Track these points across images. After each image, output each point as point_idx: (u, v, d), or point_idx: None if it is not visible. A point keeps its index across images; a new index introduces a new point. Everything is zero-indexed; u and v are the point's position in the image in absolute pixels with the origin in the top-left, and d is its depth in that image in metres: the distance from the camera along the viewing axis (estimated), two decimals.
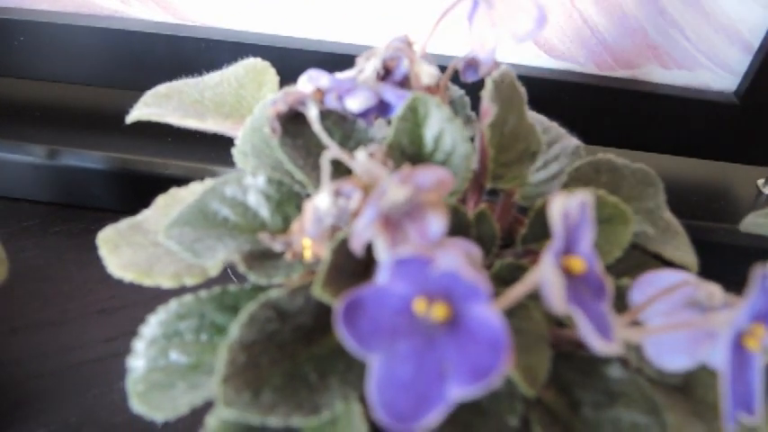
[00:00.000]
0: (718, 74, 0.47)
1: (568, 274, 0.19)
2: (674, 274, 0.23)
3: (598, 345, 0.18)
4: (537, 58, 0.46)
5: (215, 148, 0.49)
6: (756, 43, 0.45)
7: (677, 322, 0.21)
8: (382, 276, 0.17)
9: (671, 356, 0.22)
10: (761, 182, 0.53)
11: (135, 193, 0.48)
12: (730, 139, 0.49)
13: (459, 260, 0.16)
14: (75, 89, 0.52)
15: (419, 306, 0.17)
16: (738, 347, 0.20)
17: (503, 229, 0.30)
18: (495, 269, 0.25)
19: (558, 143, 0.33)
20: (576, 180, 0.29)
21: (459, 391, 0.16)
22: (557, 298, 0.17)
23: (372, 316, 0.17)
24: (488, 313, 0.16)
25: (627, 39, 0.45)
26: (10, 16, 0.46)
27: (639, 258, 0.28)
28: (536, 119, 0.33)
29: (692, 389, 0.25)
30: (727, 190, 0.53)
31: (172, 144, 0.49)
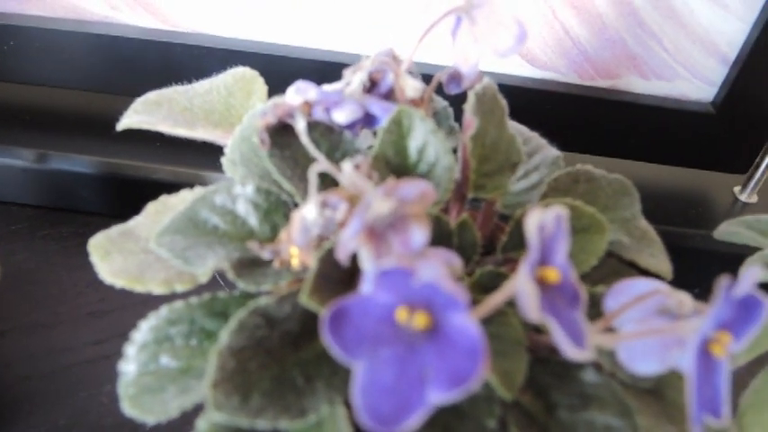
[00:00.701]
0: (696, 84, 0.48)
1: (544, 284, 0.20)
2: (647, 282, 0.24)
3: (571, 352, 0.19)
4: (520, 68, 0.47)
5: (203, 154, 0.49)
6: (733, 55, 0.47)
7: (648, 329, 0.22)
8: (366, 286, 0.18)
9: (643, 362, 0.23)
10: (737, 189, 0.54)
11: (123, 197, 0.49)
12: (707, 147, 0.50)
13: (439, 272, 0.17)
14: (64, 94, 0.52)
15: (401, 315, 0.18)
16: (705, 354, 0.21)
17: (484, 236, 0.31)
18: (475, 277, 0.26)
19: (539, 153, 0.34)
20: (554, 190, 0.30)
21: (438, 396, 0.17)
22: (532, 308, 0.18)
23: (357, 324, 0.18)
24: (467, 322, 0.17)
25: (607, 50, 0.46)
26: (1, 21, 0.46)
27: (615, 266, 0.29)
28: (517, 129, 0.34)
29: (663, 392, 0.26)
30: (705, 197, 0.55)
31: (160, 149, 0.49)
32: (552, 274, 0.20)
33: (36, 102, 0.53)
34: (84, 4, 0.47)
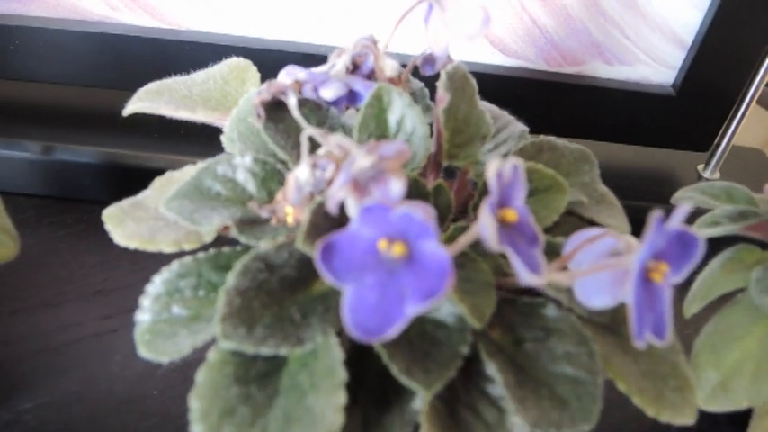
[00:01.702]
0: (656, 68, 0.52)
1: (504, 222, 0.23)
2: (599, 230, 0.28)
3: (527, 278, 0.22)
4: (492, 57, 0.51)
5: (196, 143, 0.53)
6: (689, 40, 0.50)
7: (598, 265, 0.26)
8: (352, 224, 0.21)
9: (596, 297, 0.26)
10: (700, 167, 0.58)
11: (124, 184, 0.52)
12: (669, 127, 0.54)
13: (413, 207, 0.20)
14: (67, 90, 0.55)
15: (382, 246, 0.21)
16: (647, 281, 0.24)
17: (458, 203, 0.34)
18: (449, 232, 0.30)
19: (507, 128, 0.37)
20: (520, 158, 0.34)
21: (414, 308, 0.20)
22: (491, 238, 0.21)
23: (344, 255, 0.21)
24: (436, 248, 0.20)
25: (572, 38, 0.50)
26: (5, 22, 0.49)
27: (576, 224, 0.33)
28: (488, 108, 0.37)
29: (618, 328, 0.29)
30: (670, 175, 0.58)
31: (158, 139, 0.53)
32: (511, 215, 0.23)
33: (41, 98, 0.56)
34: (85, 4, 0.50)
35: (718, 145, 0.55)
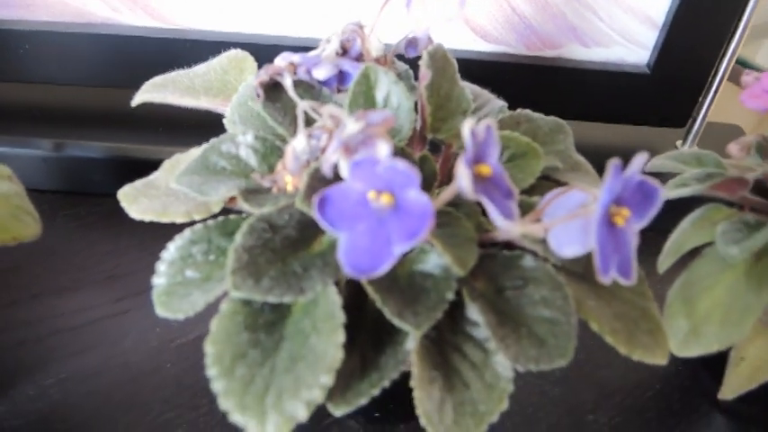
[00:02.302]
0: (631, 49, 0.55)
1: (480, 176, 0.26)
2: (569, 187, 0.31)
3: (501, 223, 0.25)
4: (474, 43, 0.54)
5: (198, 136, 0.55)
6: (661, 20, 0.53)
7: (568, 215, 0.28)
8: (345, 179, 0.24)
9: (568, 246, 0.28)
10: (679, 143, 0.61)
11: (131, 177, 0.54)
12: (646, 105, 0.57)
13: (398, 161, 0.23)
14: (75, 90, 0.58)
15: (371, 196, 0.24)
16: (610, 225, 0.27)
17: (444, 174, 0.37)
18: (434, 197, 0.32)
19: (488, 105, 0.40)
20: (499, 129, 0.36)
21: (400, 247, 0.23)
22: (467, 187, 0.24)
23: (338, 206, 0.24)
24: (418, 195, 0.23)
25: (550, 23, 0.53)
26: (15, 27, 0.52)
27: (551, 187, 0.35)
28: (469, 86, 0.40)
29: (591, 275, 0.31)
30: (652, 151, 0.61)
31: (162, 133, 0.56)
32: (486, 169, 0.26)
33: (51, 98, 0.59)
34: (89, 8, 0.53)
35: (695, 120, 0.58)
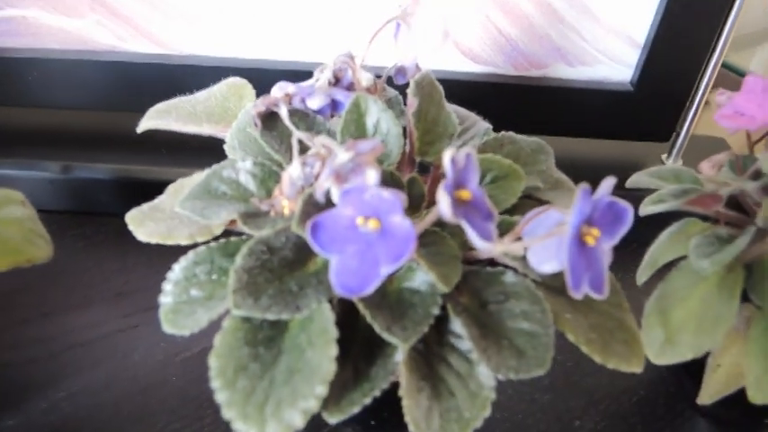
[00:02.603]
0: (614, 67, 0.57)
1: (460, 200, 0.28)
2: (546, 207, 0.33)
3: (479, 244, 0.27)
4: (464, 65, 0.56)
5: (200, 157, 0.58)
6: (642, 40, 0.55)
7: (544, 234, 0.30)
8: (336, 206, 0.26)
9: (546, 263, 0.30)
10: (664, 156, 0.63)
11: (136, 197, 0.57)
12: (631, 121, 0.59)
13: (383, 188, 0.26)
14: (82, 114, 0.61)
15: (360, 222, 0.26)
16: (581, 244, 0.29)
17: (432, 194, 0.39)
18: (422, 216, 0.35)
19: (474, 127, 0.42)
20: (484, 151, 0.39)
21: (386, 270, 0.25)
22: (446, 211, 0.26)
23: (330, 231, 0.26)
24: (402, 220, 0.25)
25: (536, 44, 0.55)
26: (24, 55, 0.55)
27: (533, 206, 0.38)
28: (456, 109, 0.42)
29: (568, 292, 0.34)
30: (637, 165, 0.63)
31: (165, 155, 0.58)
32: (466, 194, 0.28)
33: (58, 122, 0.61)
34: (94, 36, 0.55)
35: (678, 134, 0.60)
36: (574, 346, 0.50)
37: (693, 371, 0.44)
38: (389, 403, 0.35)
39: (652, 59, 0.56)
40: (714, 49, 0.55)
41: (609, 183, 0.28)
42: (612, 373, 0.49)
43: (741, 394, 0.41)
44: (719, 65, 0.56)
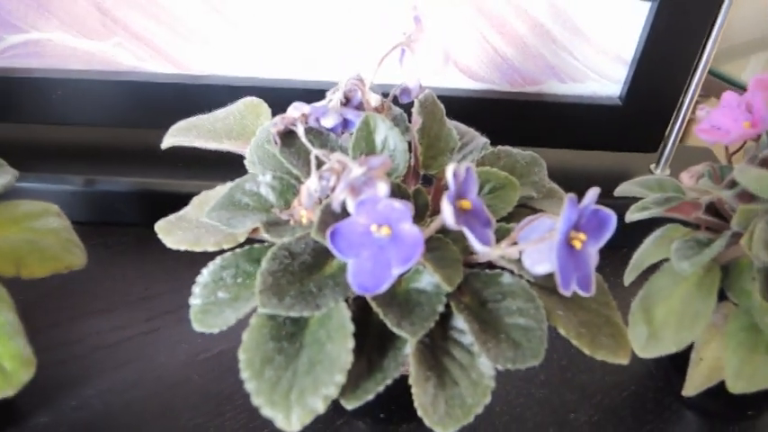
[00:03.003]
0: (604, 83, 0.61)
1: (461, 209, 0.32)
2: (540, 215, 0.36)
3: (478, 248, 0.31)
4: (463, 82, 0.60)
5: (216, 171, 0.61)
6: (629, 58, 0.59)
7: (537, 238, 0.34)
8: (351, 215, 0.30)
9: (539, 265, 0.34)
10: (652, 166, 0.67)
11: (155, 209, 0.60)
12: (620, 133, 0.63)
13: (394, 199, 0.29)
14: (103, 131, 0.64)
15: (373, 229, 0.29)
16: (570, 248, 0.32)
17: (435, 204, 0.43)
18: (427, 224, 0.38)
19: (473, 142, 0.46)
20: (482, 164, 0.42)
21: (397, 270, 0.28)
22: (449, 219, 0.29)
23: (347, 237, 0.30)
24: (411, 227, 0.29)
25: (530, 62, 0.59)
26: (50, 75, 0.58)
27: (528, 214, 0.41)
28: (456, 126, 0.46)
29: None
30: (627, 174, 0.67)
31: (183, 169, 0.61)
32: (466, 204, 0.32)
33: (81, 139, 0.65)
34: (116, 57, 0.59)
35: (665, 145, 0.64)
36: (568, 346, 0.54)
37: (680, 367, 0.47)
38: (398, 399, 0.38)
39: (639, 76, 0.59)
40: (698, 66, 0.58)
41: (594, 192, 0.32)
42: (604, 370, 0.52)
43: (724, 387, 0.45)
44: (703, 80, 0.59)
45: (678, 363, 0.46)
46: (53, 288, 0.55)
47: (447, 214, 0.29)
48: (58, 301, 0.55)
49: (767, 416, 0.49)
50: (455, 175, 0.31)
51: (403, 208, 0.29)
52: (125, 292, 0.56)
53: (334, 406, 0.46)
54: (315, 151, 0.35)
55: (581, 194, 0.45)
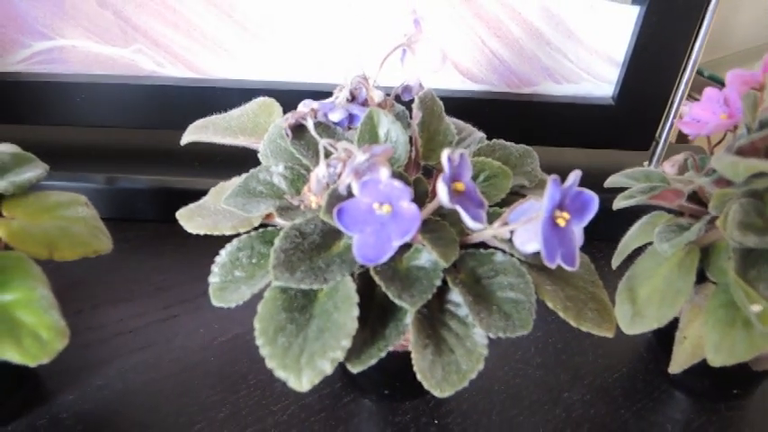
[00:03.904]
0: (597, 84, 0.64)
1: (456, 191, 0.35)
2: (529, 198, 0.39)
3: (471, 224, 0.34)
4: (463, 84, 0.63)
5: (228, 169, 0.65)
6: (621, 59, 0.62)
7: (525, 219, 0.37)
8: (356, 196, 0.33)
9: (528, 244, 0.37)
10: (645, 163, 0.70)
11: (172, 205, 0.63)
12: (613, 131, 0.66)
13: (394, 180, 0.32)
14: (124, 132, 0.68)
15: (376, 207, 0.33)
16: (554, 225, 0.35)
17: (434, 193, 0.46)
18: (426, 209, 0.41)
19: (470, 136, 0.49)
20: (478, 156, 0.46)
21: (397, 242, 0.32)
22: (444, 198, 0.33)
23: (352, 215, 0.33)
24: (410, 204, 0.32)
25: (526, 64, 0.62)
26: (73, 80, 0.62)
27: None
28: (454, 121, 0.49)
29: (549, 269, 0.40)
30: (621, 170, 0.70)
31: (198, 168, 0.65)
32: (460, 186, 0.35)
33: (103, 139, 0.69)
34: (136, 63, 0.62)
35: (657, 143, 0.67)
36: (564, 330, 0.57)
37: (669, 350, 0.50)
38: (401, 377, 0.42)
39: (630, 77, 0.62)
40: (686, 66, 0.61)
41: (576, 174, 0.35)
42: (597, 353, 0.55)
43: (709, 368, 0.48)
44: (692, 79, 0.63)
45: (667, 347, 0.49)
46: (76, 279, 0.59)
47: (442, 194, 0.33)
48: (82, 290, 0.58)
49: (752, 394, 0.52)
50: (449, 159, 0.34)
51: (402, 187, 0.32)
52: (143, 282, 0.59)
53: (342, 384, 0.49)
54: (322, 141, 0.38)
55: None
